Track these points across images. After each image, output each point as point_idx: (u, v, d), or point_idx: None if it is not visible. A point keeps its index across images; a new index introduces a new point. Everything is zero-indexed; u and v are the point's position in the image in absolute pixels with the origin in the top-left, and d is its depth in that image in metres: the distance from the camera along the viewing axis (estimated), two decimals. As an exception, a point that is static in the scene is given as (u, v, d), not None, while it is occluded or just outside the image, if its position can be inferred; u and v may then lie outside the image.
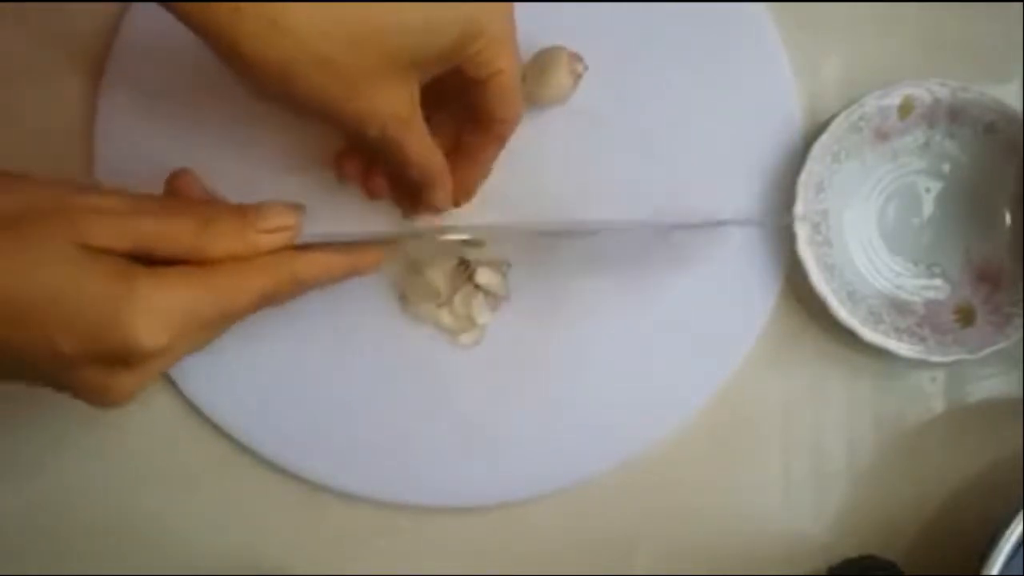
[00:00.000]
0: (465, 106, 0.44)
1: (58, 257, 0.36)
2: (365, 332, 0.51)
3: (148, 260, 0.38)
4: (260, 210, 0.40)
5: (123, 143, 0.50)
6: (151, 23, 0.40)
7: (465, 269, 0.50)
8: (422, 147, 0.44)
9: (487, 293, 0.50)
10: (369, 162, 0.48)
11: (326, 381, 0.50)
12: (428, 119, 0.44)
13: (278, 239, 0.40)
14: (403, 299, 0.50)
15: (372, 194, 0.49)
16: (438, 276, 0.50)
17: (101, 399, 0.39)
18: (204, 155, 0.49)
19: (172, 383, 0.51)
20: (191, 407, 0.51)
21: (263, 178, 0.50)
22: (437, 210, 0.48)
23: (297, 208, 0.41)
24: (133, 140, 0.50)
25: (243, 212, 0.40)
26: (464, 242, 0.49)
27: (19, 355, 0.36)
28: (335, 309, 0.50)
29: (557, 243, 0.50)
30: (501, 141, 0.46)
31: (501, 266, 0.50)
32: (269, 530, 0.52)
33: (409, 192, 0.47)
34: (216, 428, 0.51)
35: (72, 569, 0.51)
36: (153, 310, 0.36)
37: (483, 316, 0.50)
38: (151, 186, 0.42)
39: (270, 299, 0.40)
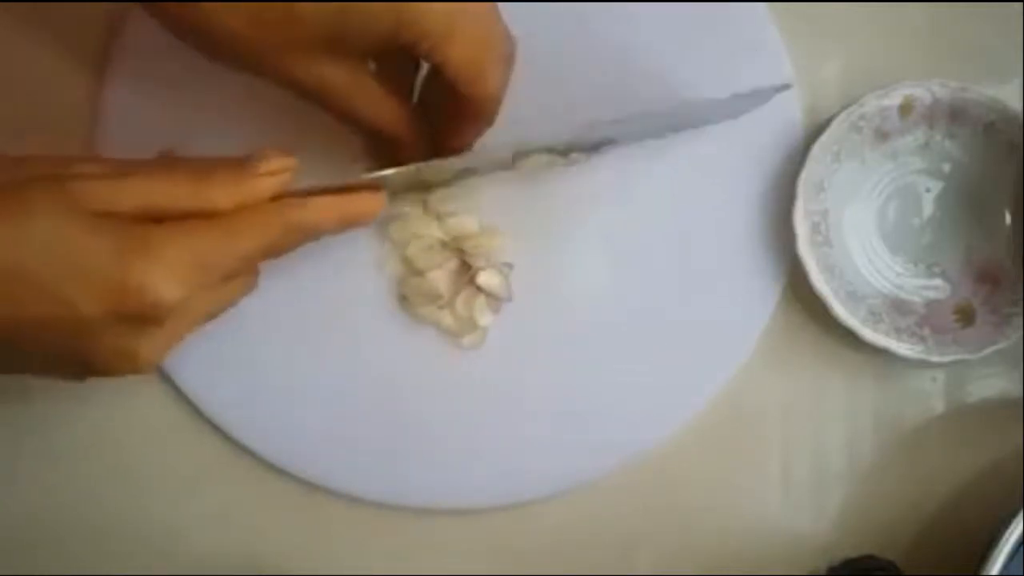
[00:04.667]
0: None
1: (62, 222, 0.36)
2: (366, 334, 0.51)
3: (153, 221, 0.38)
4: (256, 156, 0.41)
5: (127, 137, 0.50)
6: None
7: (467, 271, 0.50)
8: (371, 112, 0.45)
9: (489, 295, 0.50)
10: None
11: (327, 382, 0.50)
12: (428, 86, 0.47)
13: (276, 182, 0.41)
14: (404, 301, 0.50)
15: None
16: (440, 278, 0.50)
17: (130, 364, 0.39)
18: (210, 148, 0.49)
19: (172, 383, 0.51)
20: (191, 407, 0.51)
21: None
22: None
23: (289, 154, 0.42)
24: (137, 134, 0.50)
25: (239, 161, 0.41)
26: (462, 172, 0.48)
27: (43, 329, 0.36)
28: (336, 310, 0.50)
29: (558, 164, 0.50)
30: (476, 118, 0.46)
31: (502, 267, 0.50)
32: (269, 530, 0.52)
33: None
34: (216, 428, 0.51)
35: (72, 569, 0.51)
36: (166, 260, 0.37)
37: (485, 318, 0.50)
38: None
39: (276, 246, 0.41)
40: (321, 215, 0.42)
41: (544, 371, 0.51)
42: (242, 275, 0.42)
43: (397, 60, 0.46)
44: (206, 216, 0.39)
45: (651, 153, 0.51)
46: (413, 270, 0.50)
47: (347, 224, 0.44)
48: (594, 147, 0.50)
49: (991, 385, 0.52)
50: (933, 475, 0.52)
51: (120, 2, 0.51)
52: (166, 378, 0.51)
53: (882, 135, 0.51)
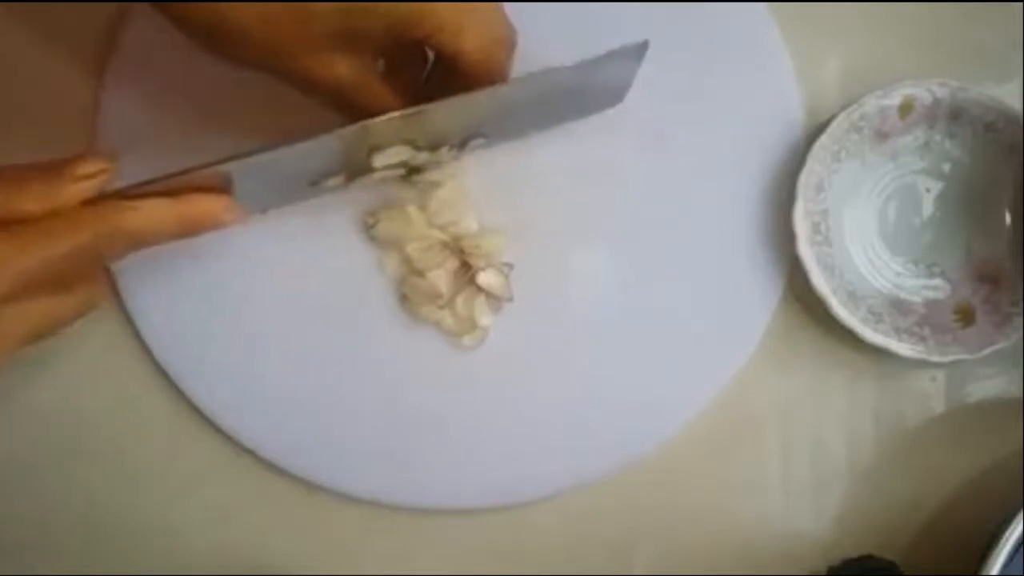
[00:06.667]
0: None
1: None
2: (366, 333, 0.51)
3: None
4: (71, 160, 0.40)
5: (127, 137, 0.50)
6: (155, 18, 0.40)
7: (467, 271, 0.50)
8: (378, 110, 0.45)
9: (489, 295, 0.50)
10: None
11: (326, 382, 0.50)
12: (429, 77, 0.47)
13: (89, 186, 0.39)
14: (404, 300, 0.50)
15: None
16: (440, 278, 0.50)
17: None
18: (210, 147, 0.49)
19: (172, 383, 0.51)
20: (190, 407, 0.51)
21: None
22: None
23: (110, 155, 0.40)
24: (137, 133, 0.50)
25: (54, 165, 0.40)
26: (405, 119, 0.45)
27: None
28: (337, 310, 0.50)
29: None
30: None
31: (502, 267, 0.50)
32: (269, 530, 0.52)
33: None
34: (216, 428, 0.51)
35: (72, 569, 0.51)
36: None
37: (485, 318, 0.50)
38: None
39: (96, 252, 0.40)
40: (150, 219, 0.41)
41: (544, 371, 0.51)
42: (76, 286, 0.41)
43: (405, 58, 0.46)
44: (18, 222, 0.38)
45: (651, 153, 0.51)
46: (413, 270, 0.50)
47: (189, 229, 0.42)
48: (463, 142, 0.49)
49: (991, 385, 0.52)
50: (933, 475, 0.52)
51: (121, 2, 0.51)
52: (166, 378, 0.51)
53: (882, 135, 0.51)
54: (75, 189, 0.39)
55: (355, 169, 0.47)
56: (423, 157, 0.48)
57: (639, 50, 0.46)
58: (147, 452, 0.51)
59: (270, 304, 0.51)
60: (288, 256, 0.50)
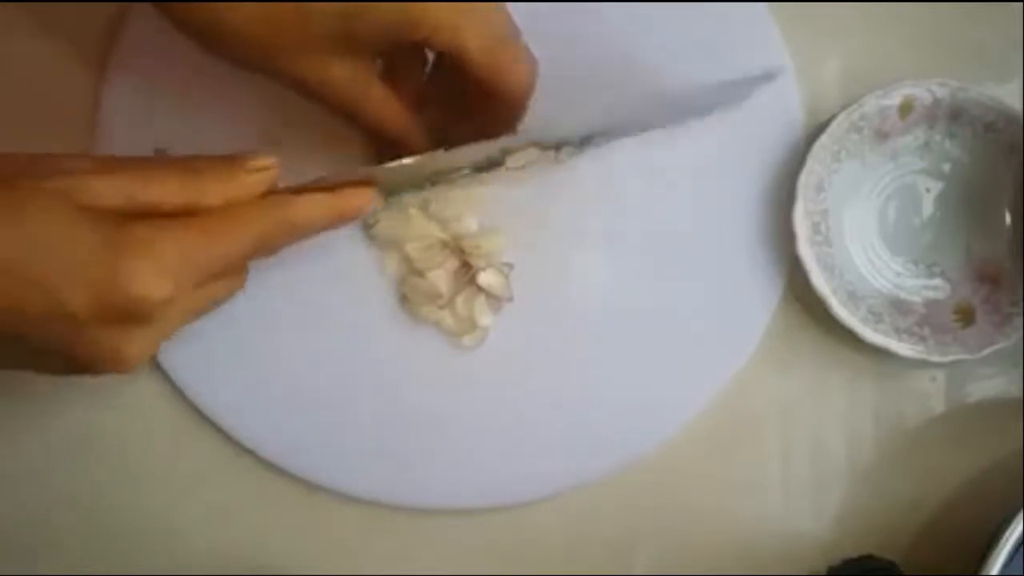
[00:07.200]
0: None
1: (55, 216, 0.36)
2: (366, 333, 0.51)
3: (141, 217, 0.38)
4: (242, 155, 0.41)
5: (127, 137, 0.50)
6: (155, 17, 0.41)
7: (467, 271, 0.50)
8: (376, 112, 0.45)
9: (489, 295, 0.50)
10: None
11: (326, 382, 0.50)
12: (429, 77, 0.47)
13: (264, 178, 0.41)
14: (405, 301, 0.50)
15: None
16: (440, 278, 0.50)
17: (114, 361, 0.38)
18: (210, 147, 0.49)
19: (172, 383, 0.51)
20: (191, 407, 0.51)
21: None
22: None
23: (273, 153, 0.42)
24: (137, 133, 0.50)
25: (227, 159, 0.41)
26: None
27: (30, 322, 0.36)
28: (337, 310, 0.51)
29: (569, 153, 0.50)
30: (506, 113, 0.47)
31: (502, 267, 0.50)
32: (269, 530, 0.52)
33: None
34: (216, 428, 0.51)
35: (73, 569, 0.51)
36: (152, 255, 0.37)
37: (485, 318, 0.50)
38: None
39: (265, 244, 0.42)
40: (311, 211, 0.43)
41: (544, 371, 0.51)
42: (229, 274, 0.42)
43: (405, 60, 0.46)
44: (194, 213, 0.39)
45: (652, 153, 0.51)
46: (413, 270, 0.50)
47: (338, 220, 0.44)
48: (583, 141, 0.50)
49: (991, 385, 0.52)
50: (933, 475, 0.52)
51: (121, 2, 0.51)
52: (166, 378, 0.51)
53: (882, 135, 0.51)
54: (252, 180, 0.41)
55: (485, 167, 0.49)
56: (550, 157, 0.49)
57: (773, 73, 0.49)
58: (148, 452, 0.51)
59: (270, 304, 0.51)
60: (288, 256, 0.50)
